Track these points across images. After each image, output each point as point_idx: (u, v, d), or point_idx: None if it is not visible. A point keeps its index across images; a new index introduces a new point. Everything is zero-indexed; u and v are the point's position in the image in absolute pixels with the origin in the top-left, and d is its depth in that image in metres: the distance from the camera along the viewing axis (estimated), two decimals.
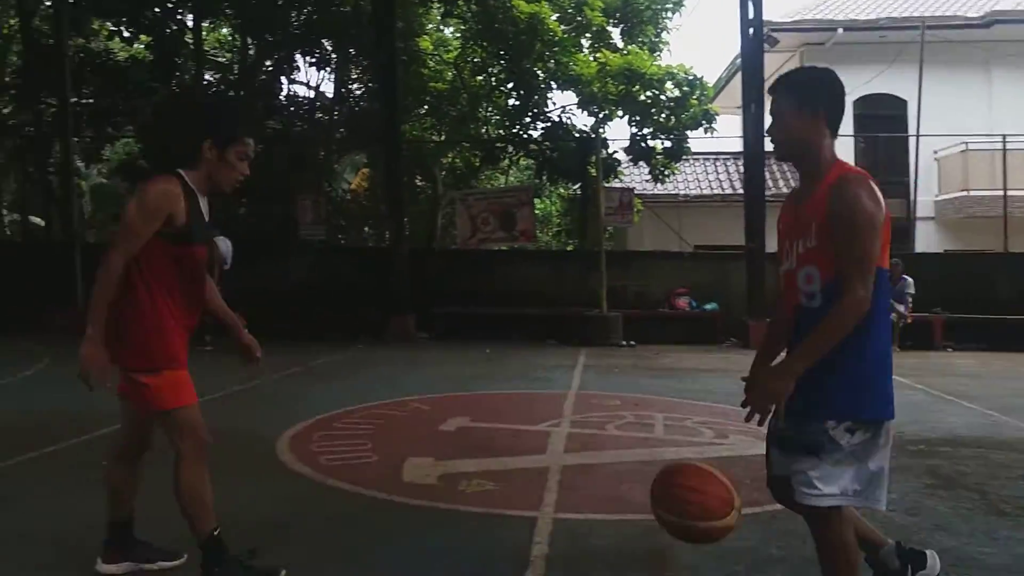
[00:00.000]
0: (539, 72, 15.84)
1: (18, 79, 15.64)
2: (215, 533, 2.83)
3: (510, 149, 16.78)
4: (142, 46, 15.58)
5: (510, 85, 16.46)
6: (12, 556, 3.18)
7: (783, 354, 2.44)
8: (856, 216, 2.17)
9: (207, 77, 15.74)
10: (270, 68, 16.77)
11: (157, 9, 14.64)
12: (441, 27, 19.42)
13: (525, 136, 16.38)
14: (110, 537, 3.00)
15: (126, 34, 14.63)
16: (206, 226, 2.90)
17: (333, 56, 17.20)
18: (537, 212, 17.82)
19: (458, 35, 18.41)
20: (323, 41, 16.49)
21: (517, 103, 16.32)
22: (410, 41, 16.69)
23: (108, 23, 15.32)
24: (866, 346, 2.23)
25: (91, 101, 15.20)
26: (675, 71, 15.52)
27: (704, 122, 15.51)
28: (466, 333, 12.12)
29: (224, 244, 10.06)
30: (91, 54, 15.14)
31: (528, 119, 16.33)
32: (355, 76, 18.74)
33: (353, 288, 12.71)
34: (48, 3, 14.14)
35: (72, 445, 4.98)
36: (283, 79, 17.48)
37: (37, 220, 17.88)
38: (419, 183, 20.63)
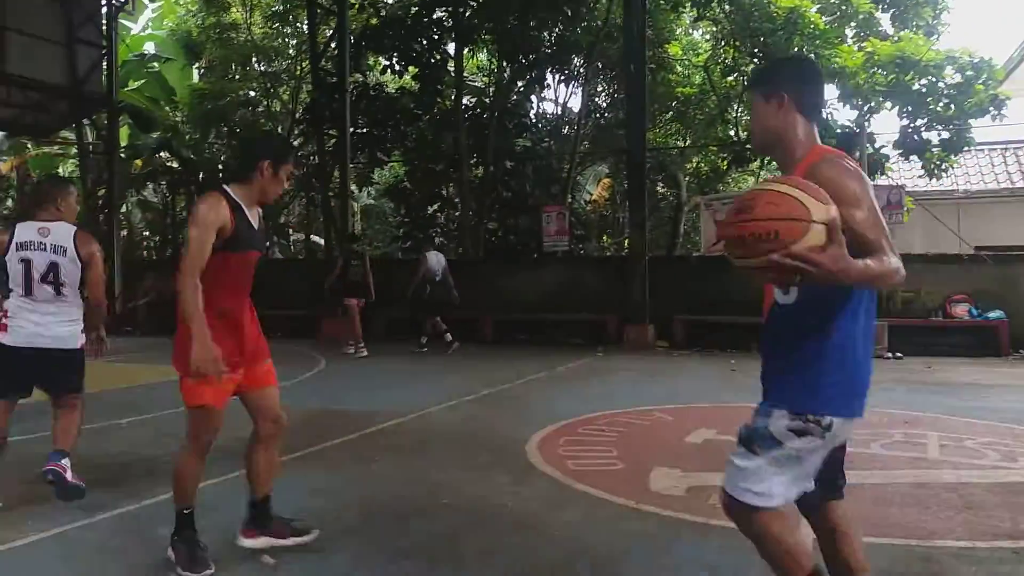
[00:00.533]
0: None
1: (306, 114, 17.88)
2: (185, 512, 3.24)
3: None
4: (409, 77, 17.07)
5: None
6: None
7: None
8: (841, 195, 1.99)
9: (464, 101, 16.87)
10: (522, 88, 17.60)
11: (424, 41, 15.98)
12: (690, 31, 19.16)
13: None
14: (250, 514, 3.43)
15: (396, 67, 16.12)
16: (255, 234, 3.29)
17: (581, 71, 17.66)
18: None
19: (708, 38, 18.05)
20: (572, 57, 16.99)
21: None
22: (658, 49, 16.67)
23: (382, 58, 16.99)
24: (826, 343, 2.14)
25: (364, 130, 16.95)
26: (957, 54, 13.92)
27: (992, 109, 13.75)
28: (708, 343, 11.80)
29: (436, 258, 11.64)
30: (366, 88, 16.89)
31: None
32: (601, 89, 19.11)
33: (593, 297, 12.92)
34: (333, 45, 15.98)
35: (350, 440, 5.58)
36: (533, 97, 18.28)
37: (317, 239, 20.29)
38: (661, 190, 20.48)
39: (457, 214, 17.80)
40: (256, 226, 3.32)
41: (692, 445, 5.41)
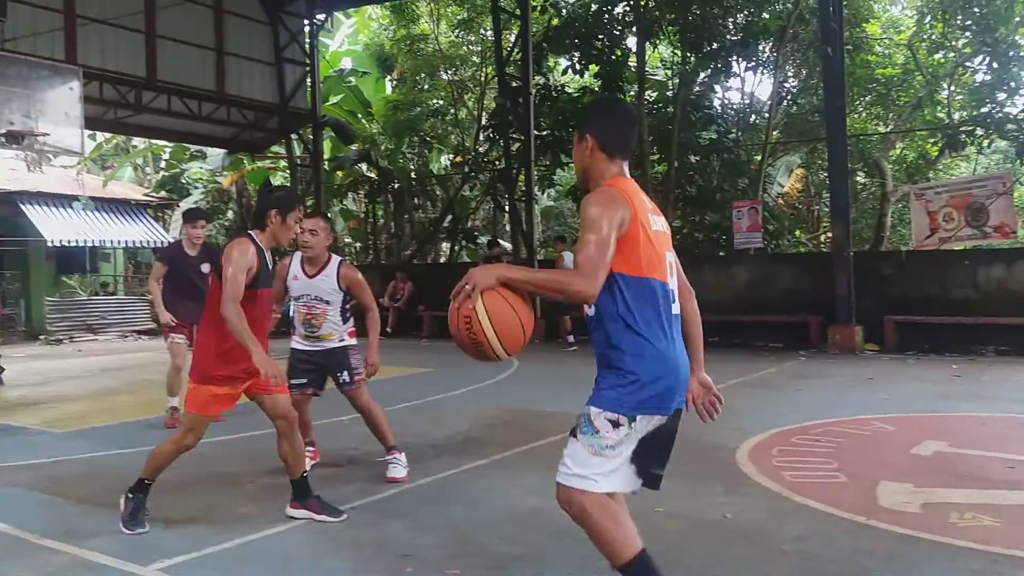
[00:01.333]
0: (1020, 40, 13.55)
1: (492, 120, 18.38)
2: (146, 482, 3.89)
3: (978, 132, 14.59)
4: (590, 76, 17.09)
5: (978, 59, 14.34)
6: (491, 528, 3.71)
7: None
8: (582, 221, 2.40)
9: (646, 96, 16.61)
10: (706, 79, 17.07)
11: (603, 38, 15.93)
12: (889, 6, 17.77)
13: (999, 115, 14.11)
14: (294, 490, 4.00)
15: (577, 67, 16.18)
16: (268, 274, 3.93)
17: (771, 57, 16.87)
18: (1017, 203, 15.18)
19: (911, 14, 16.65)
20: (760, 43, 16.27)
21: (988, 78, 14.13)
22: (856, 28, 15.58)
23: (563, 59, 17.14)
24: (615, 351, 2.44)
25: (546, 132, 17.15)
26: None
27: None
28: (925, 346, 10.82)
29: (569, 258, 11.64)
30: (549, 90, 17.09)
31: (1003, 95, 14.04)
32: (792, 74, 18.13)
33: (791, 296, 12.22)
34: (516, 49, 16.32)
35: (555, 441, 5.65)
36: (718, 88, 17.66)
37: (505, 244, 20.81)
38: (861, 180, 19.12)
39: None
40: (270, 267, 3.96)
41: (920, 458, 5.00)
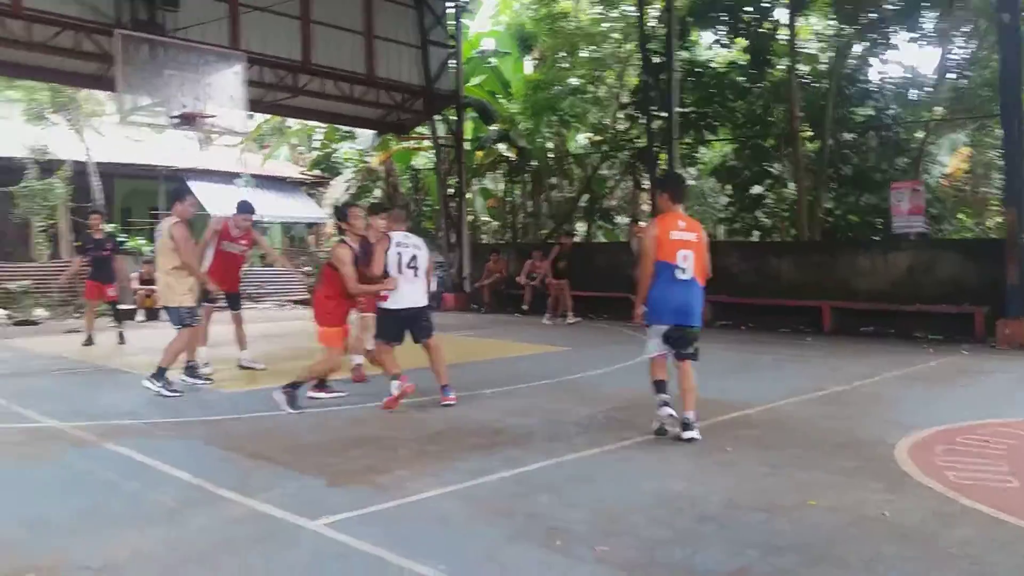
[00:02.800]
0: None
1: (633, 97, 18.08)
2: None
3: None
4: (738, 51, 16.49)
5: None
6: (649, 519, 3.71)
7: None
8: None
9: (798, 70, 15.85)
10: (863, 52, 16.05)
11: (751, 10, 15.29)
12: None
13: None
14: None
15: (724, 41, 15.64)
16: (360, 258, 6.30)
17: (934, 28, 15.63)
18: None
19: None
20: (923, 12, 15.10)
21: None
22: None
23: (709, 33, 16.61)
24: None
25: (689, 110, 16.70)
26: None
27: None
28: None
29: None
30: (693, 65, 16.61)
31: None
32: (959, 45, 16.70)
33: (954, 285, 11.34)
34: (660, 24, 15.94)
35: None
36: (876, 61, 16.56)
37: (643, 223, 20.49)
38: None
39: (788, 192, 16.85)
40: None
41: None
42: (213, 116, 12.40)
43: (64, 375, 8.20)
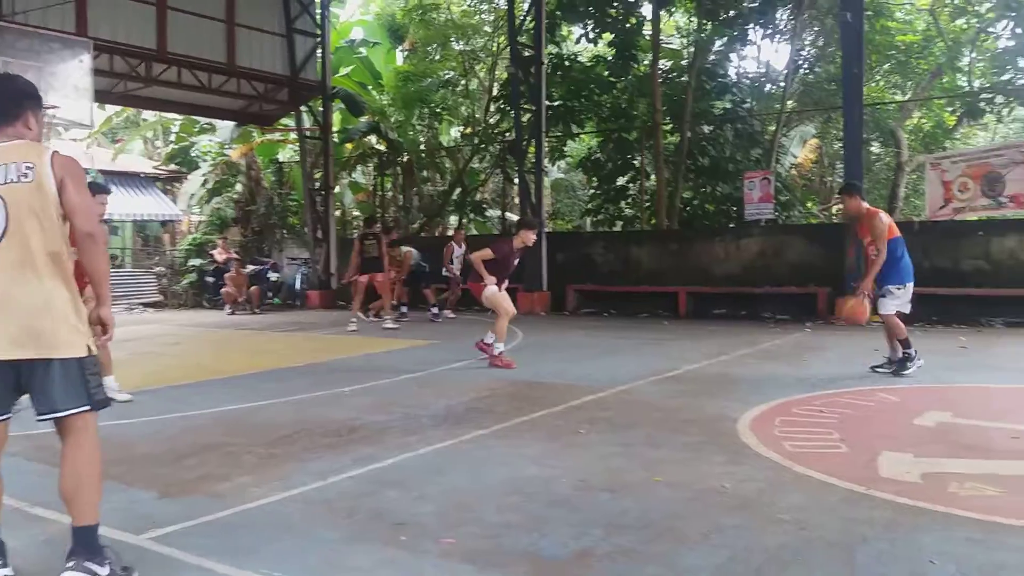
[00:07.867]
0: None
1: (503, 90, 18.16)
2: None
3: (998, 100, 14.28)
4: (604, 45, 16.84)
5: (1001, 25, 13.99)
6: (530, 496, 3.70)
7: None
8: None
9: (660, 65, 16.36)
10: (722, 47, 16.78)
11: (618, 5, 15.64)
12: None
13: (1020, 82, 13.81)
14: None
15: (591, 36, 15.94)
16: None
17: (787, 24, 16.54)
18: None
19: None
20: (777, 10, 15.94)
21: (1011, 44, 13.80)
22: None
23: (576, 28, 16.87)
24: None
25: (558, 103, 16.93)
26: None
27: None
28: (933, 317, 10.70)
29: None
30: (562, 59, 16.83)
31: None
32: (808, 42, 17.78)
33: (800, 269, 12.10)
34: (529, 18, 16.07)
35: (556, 411, 5.62)
36: (734, 56, 17.37)
37: (512, 216, 20.68)
38: (875, 150, 18.83)
39: (650, 184, 17.42)
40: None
41: (923, 428, 4.95)
42: (56, 107, 11.48)
43: None
